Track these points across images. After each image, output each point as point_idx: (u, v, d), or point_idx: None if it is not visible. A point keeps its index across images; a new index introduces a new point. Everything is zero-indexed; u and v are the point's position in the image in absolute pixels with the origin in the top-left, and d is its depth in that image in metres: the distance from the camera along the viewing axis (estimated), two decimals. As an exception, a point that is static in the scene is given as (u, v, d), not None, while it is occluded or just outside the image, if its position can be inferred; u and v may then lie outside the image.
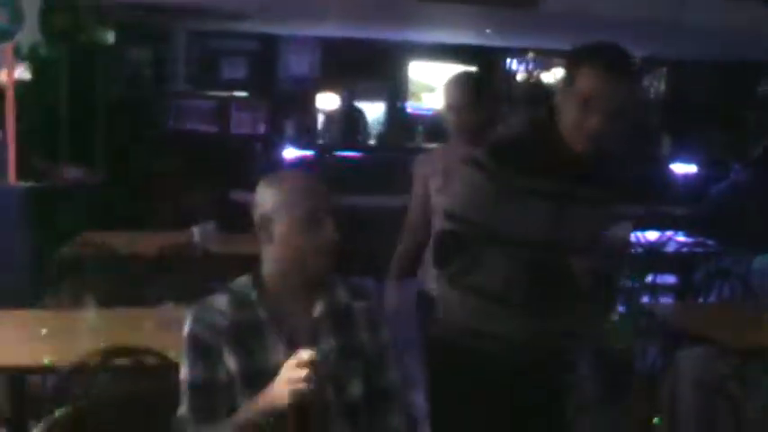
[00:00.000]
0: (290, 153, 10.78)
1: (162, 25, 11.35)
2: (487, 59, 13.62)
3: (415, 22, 10.97)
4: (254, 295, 2.34)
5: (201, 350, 2.25)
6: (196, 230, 6.25)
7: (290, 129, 11.84)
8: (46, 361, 3.47)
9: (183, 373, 2.29)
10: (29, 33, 7.61)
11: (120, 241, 5.94)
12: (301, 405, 2.09)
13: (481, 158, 2.80)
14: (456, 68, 13.47)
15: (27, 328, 3.99)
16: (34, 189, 7.43)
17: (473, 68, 4.52)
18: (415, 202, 4.00)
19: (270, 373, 2.18)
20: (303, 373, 2.06)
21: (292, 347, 2.23)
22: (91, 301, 4.05)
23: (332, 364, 2.28)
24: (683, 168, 12.04)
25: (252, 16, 10.47)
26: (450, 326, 2.94)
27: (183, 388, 2.28)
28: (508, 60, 14.20)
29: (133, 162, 9.50)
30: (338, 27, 12.10)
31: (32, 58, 7.95)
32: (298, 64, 13.51)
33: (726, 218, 7.73)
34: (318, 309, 2.35)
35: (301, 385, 2.06)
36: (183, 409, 2.27)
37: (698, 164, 11.85)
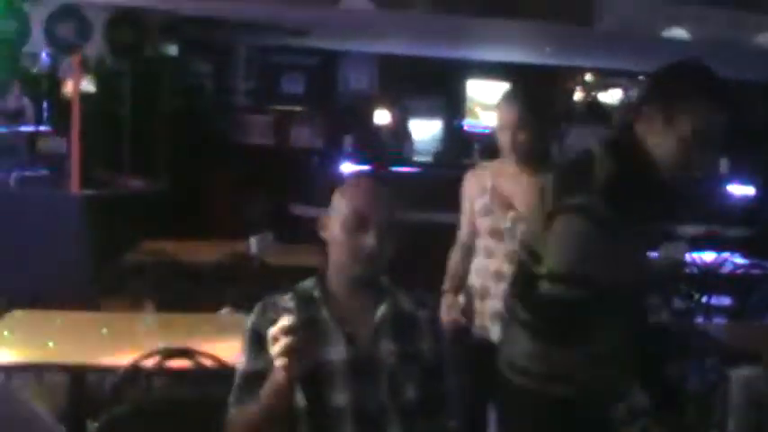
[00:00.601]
0: (348, 167, 10.82)
1: (224, 39, 11.48)
2: (545, 78, 13.57)
3: (474, 41, 10.96)
4: (317, 294, 2.40)
5: (261, 343, 2.27)
6: (254, 241, 6.32)
7: (347, 144, 11.90)
8: (105, 360, 3.55)
9: (240, 364, 2.35)
10: (95, 46, 7.77)
11: (180, 250, 6.02)
12: (296, 375, 2.12)
13: (590, 205, 2.50)
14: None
15: (87, 328, 4.09)
16: (96, 197, 7.58)
17: (526, 85, 4.37)
18: (463, 220, 3.99)
19: (328, 370, 2.26)
20: (284, 343, 2.07)
21: (352, 346, 2.31)
22: (150, 305, 4.12)
23: (389, 366, 2.33)
24: (740, 190, 11.89)
25: (312, 32, 10.56)
26: (542, 377, 2.72)
27: (238, 378, 2.33)
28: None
29: (194, 173, 9.60)
30: (397, 44, 12.13)
31: (98, 70, 8.12)
32: (357, 80, 13.57)
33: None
34: (381, 311, 2.40)
35: (286, 356, 2.08)
36: (232, 397, 2.31)
37: (756, 186, 11.69)
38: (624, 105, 12.66)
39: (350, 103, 13.20)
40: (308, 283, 2.45)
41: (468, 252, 3.92)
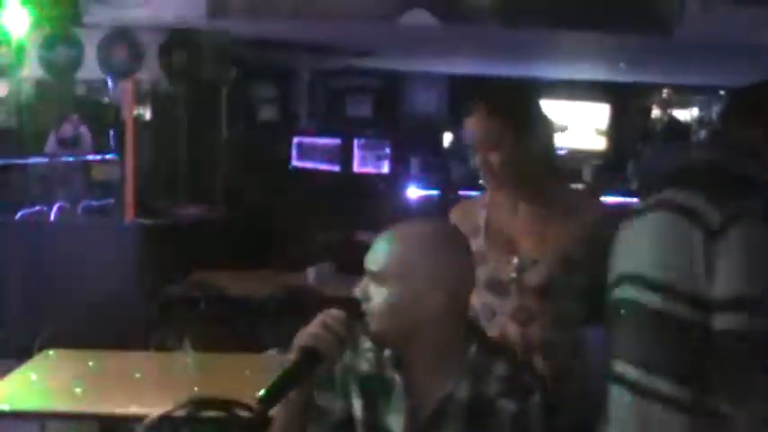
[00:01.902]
0: (414, 192, 10.54)
1: (285, 63, 11.31)
2: (620, 96, 13.23)
3: (545, 58, 10.63)
4: (387, 352, 2.04)
5: (328, 379, 2.03)
6: (311, 271, 6.01)
7: (414, 168, 11.63)
8: (132, 409, 3.35)
9: None
10: (150, 71, 7.58)
11: (233, 281, 5.81)
12: (306, 350, 1.87)
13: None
14: (586, 106, 13.09)
15: (119, 371, 3.89)
16: (150, 227, 7.38)
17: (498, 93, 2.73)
18: None
19: None
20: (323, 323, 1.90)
21: (413, 422, 1.96)
22: (187, 344, 3.85)
23: None
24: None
25: (374, 53, 10.30)
26: None
27: None
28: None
29: (254, 200, 9.41)
30: (465, 64, 11.85)
31: (153, 95, 7.95)
32: (424, 102, 13.32)
33: None
34: (449, 390, 1.96)
35: (315, 330, 1.88)
36: None
37: None
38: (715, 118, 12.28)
39: (417, 125, 12.95)
40: None
41: None
